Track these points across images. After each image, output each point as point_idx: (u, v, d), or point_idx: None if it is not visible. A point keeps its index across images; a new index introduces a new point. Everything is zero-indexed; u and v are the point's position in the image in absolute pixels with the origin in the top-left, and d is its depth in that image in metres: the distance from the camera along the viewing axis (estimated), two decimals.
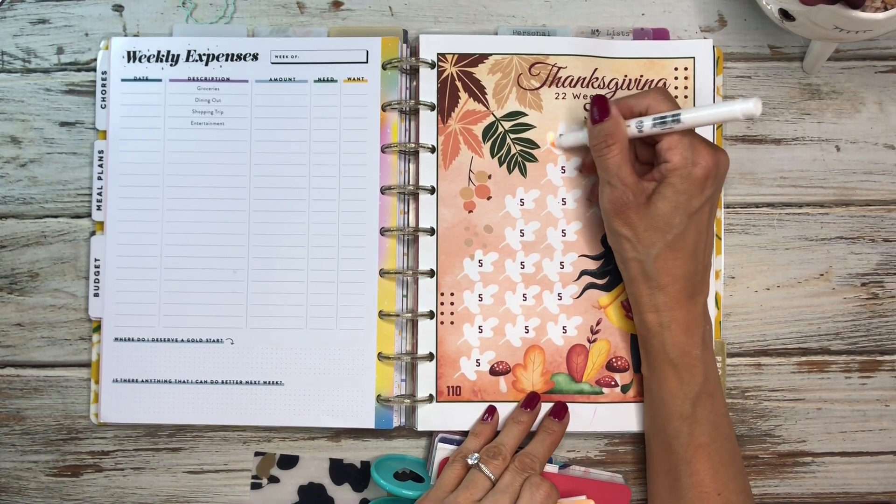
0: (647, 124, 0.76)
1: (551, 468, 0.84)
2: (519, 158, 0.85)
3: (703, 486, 0.77)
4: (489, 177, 0.85)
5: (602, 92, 0.86)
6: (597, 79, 0.86)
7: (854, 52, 0.88)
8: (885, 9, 0.75)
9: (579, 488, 0.83)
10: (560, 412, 0.83)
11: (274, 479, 0.87)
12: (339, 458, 0.87)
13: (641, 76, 0.86)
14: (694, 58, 0.86)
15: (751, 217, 0.87)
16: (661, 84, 0.86)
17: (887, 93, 0.88)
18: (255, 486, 0.87)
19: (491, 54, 0.86)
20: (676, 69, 0.86)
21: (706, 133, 0.85)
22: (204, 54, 0.87)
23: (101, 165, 0.87)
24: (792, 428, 0.87)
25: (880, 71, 0.88)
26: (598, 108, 0.77)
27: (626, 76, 0.86)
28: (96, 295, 0.86)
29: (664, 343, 0.78)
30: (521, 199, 0.85)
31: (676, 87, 0.86)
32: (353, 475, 0.87)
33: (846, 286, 0.87)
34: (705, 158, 0.75)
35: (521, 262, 0.85)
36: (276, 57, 0.87)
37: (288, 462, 0.87)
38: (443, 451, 0.83)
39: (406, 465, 0.85)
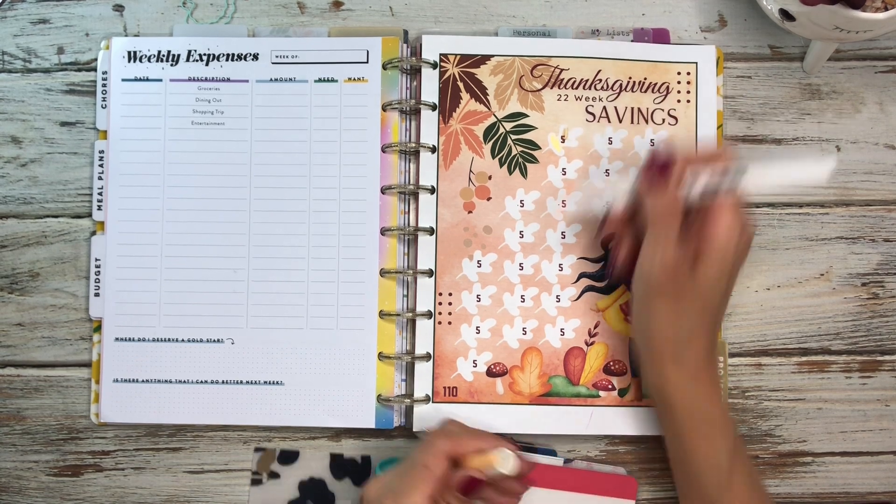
0: (702, 185, 0.75)
1: (556, 461, 0.84)
2: (520, 159, 0.85)
3: None
4: (489, 177, 0.85)
5: (605, 93, 0.86)
6: (600, 80, 0.86)
7: (854, 52, 0.88)
8: (885, 9, 0.75)
9: (585, 481, 0.84)
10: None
11: (274, 475, 0.87)
12: (339, 453, 0.87)
13: (645, 79, 0.86)
14: (696, 63, 0.86)
15: (751, 217, 0.87)
16: (662, 84, 0.86)
17: (887, 93, 0.88)
18: (255, 482, 0.87)
19: (493, 55, 0.86)
20: (679, 73, 0.86)
21: (708, 129, 0.85)
22: (204, 54, 0.87)
23: (101, 165, 0.87)
24: (792, 428, 0.87)
25: (880, 71, 0.88)
26: (659, 171, 0.75)
27: (630, 78, 0.86)
28: (97, 295, 0.86)
29: (692, 410, 0.76)
30: (520, 201, 0.85)
31: (679, 91, 0.86)
32: (354, 470, 0.87)
33: (846, 286, 0.87)
34: (747, 230, 0.75)
35: (520, 264, 0.85)
36: (277, 57, 0.87)
37: (288, 457, 0.87)
38: None
39: None
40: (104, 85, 0.88)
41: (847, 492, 0.87)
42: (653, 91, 0.86)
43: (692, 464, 0.77)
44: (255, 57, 0.87)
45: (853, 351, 0.87)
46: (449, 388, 0.84)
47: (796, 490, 0.87)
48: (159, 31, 0.89)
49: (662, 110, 0.86)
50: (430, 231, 0.85)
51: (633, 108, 0.86)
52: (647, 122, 0.86)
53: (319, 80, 0.87)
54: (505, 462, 0.72)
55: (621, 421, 0.84)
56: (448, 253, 0.85)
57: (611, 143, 0.85)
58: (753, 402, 0.87)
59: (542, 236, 0.85)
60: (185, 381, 0.85)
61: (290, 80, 0.87)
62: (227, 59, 0.87)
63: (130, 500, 0.88)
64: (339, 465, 0.87)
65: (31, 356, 0.88)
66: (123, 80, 0.87)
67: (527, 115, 0.85)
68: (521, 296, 0.85)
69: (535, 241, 0.85)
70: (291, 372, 0.85)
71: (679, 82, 0.86)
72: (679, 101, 0.86)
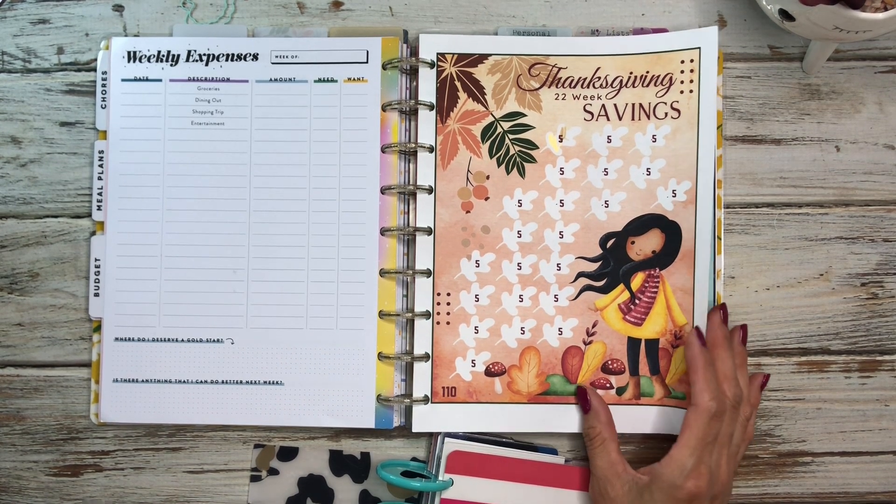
0: None
1: (558, 460, 0.84)
2: (517, 159, 0.85)
3: None
4: (487, 177, 0.85)
5: (603, 91, 0.86)
6: (599, 78, 0.86)
7: (854, 52, 0.88)
8: (885, 9, 0.75)
9: (587, 479, 0.84)
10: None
11: (273, 472, 0.87)
12: (338, 450, 0.87)
13: (647, 72, 0.86)
14: (700, 48, 0.86)
15: (751, 217, 0.87)
16: (665, 76, 0.86)
17: (887, 93, 0.87)
18: (255, 479, 0.87)
19: (491, 55, 0.86)
20: (683, 62, 0.86)
21: (709, 130, 0.85)
22: (204, 54, 0.87)
23: (101, 165, 0.87)
24: (792, 428, 0.87)
25: (880, 71, 0.88)
26: (582, 401, 0.83)
27: (630, 73, 0.86)
28: (96, 295, 0.86)
29: None
30: (518, 200, 0.85)
31: (682, 82, 0.85)
32: (353, 466, 0.87)
33: (846, 286, 0.87)
34: (698, 482, 0.77)
35: (518, 264, 0.85)
36: (277, 57, 0.87)
37: (287, 454, 0.87)
38: (451, 444, 0.83)
39: (409, 468, 0.85)
40: (104, 85, 0.88)
41: (846, 492, 0.87)
42: (655, 84, 0.86)
43: None
44: (255, 57, 0.87)
45: (852, 351, 0.87)
46: (448, 388, 0.84)
47: (796, 490, 0.87)
48: (159, 31, 0.89)
49: (665, 103, 0.86)
50: (428, 231, 0.85)
51: (633, 104, 0.86)
52: (648, 117, 0.86)
53: (319, 81, 0.87)
54: None
55: (619, 420, 0.84)
56: (446, 253, 0.85)
57: (609, 141, 0.85)
58: None
59: (539, 236, 0.85)
60: (184, 381, 0.85)
61: (290, 80, 0.87)
62: (226, 59, 0.87)
63: (130, 500, 0.88)
64: (339, 462, 0.87)
65: (31, 356, 0.88)
66: (123, 80, 0.87)
67: (524, 115, 0.85)
68: (520, 295, 0.85)
69: (533, 240, 0.85)
70: (291, 372, 0.85)
71: (682, 71, 0.85)
72: (682, 91, 0.85)
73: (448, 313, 0.85)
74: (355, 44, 0.87)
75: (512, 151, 0.85)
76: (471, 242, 0.85)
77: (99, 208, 0.87)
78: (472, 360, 0.84)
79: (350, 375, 0.85)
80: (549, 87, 0.86)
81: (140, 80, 0.87)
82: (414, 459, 0.87)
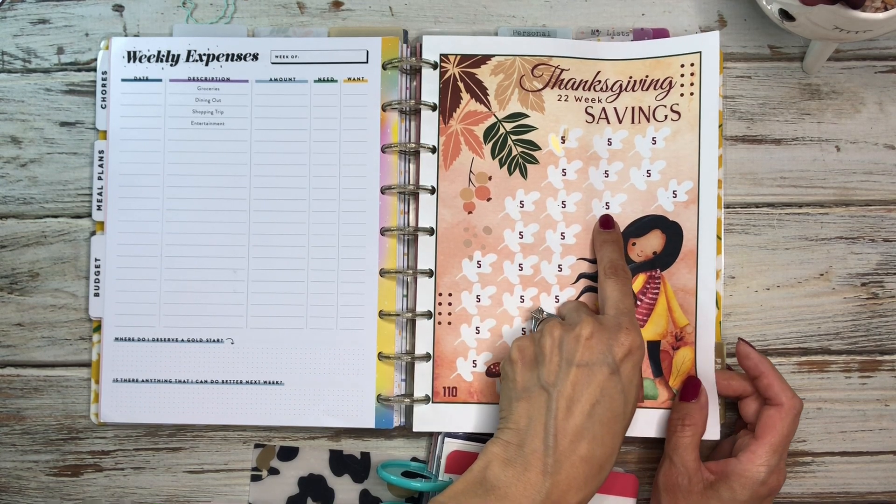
0: None
1: None
2: (520, 160, 0.85)
3: None
4: (489, 178, 0.85)
5: (604, 94, 0.85)
6: (599, 81, 0.86)
7: (854, 52, 0.88)
8: (885, 9, 0.75)
9: None
10: (607, 223, 0.84)
11: (274, 471, 0.87)
12: (338, 450, 0.87)
13: (647, 76, 0.86)
14: (700, 52, 0.86)
15: (751, 217, 0.87)
16: (665, 80, 0.86)
17: (887, 93, 0.88)
18: (255, 479, 0.87)
19: (494, 55, 0.86)
20: (682, 66, 0.86)
21: (710, 133, 0.85)
22: (204, 54, 0.87)
23: (101, 165, 0.87)
24: None
25: (880, 71, 0.88)
26: (689, 389, 0.81)
27: (630, 77, 0.86)
28: (96, 295, 0.86)
29: None
30: (520, 201, 0.85)
31: (682, 85, 0.85)
32: (353, 466, 0.87)
33: (846, 286, 0.87)
34: (778, 476, 0.79)
35: (520, 264, 0.85)
36: (277, 57, 0.87)
37: (288, 454, 0.87)
38: (451, 444, 0.83)
39: (409, 468, 0.85)
40: (104, 85, 0.88)
41: (847, 492, 0.87)
42: (655, 88, 0.86)
43: None
44: (255, 57, 0.87)
45: (853, 351, 0.87)
46: (448, 388, 0.84)
47: (796, 490, 0.87)
48: (159, 31, 0.89)
49: (665, 106, 0.86)
50: (430, 231, 0.85)
51: (633, 108, 0.86)
52: (648, 120, 0.86)
53: (319, 81, 0.86)
54: None
55: None
56: (448, 253, 0.85)
57: (610, 143, 0.85)
58: None
59: (541, 237, 0.85)
60: (184, 381, 0.85)
61: (290, 80, 0.87)
62: (226, 59, 0.87)
63: (130, 500, 0.88)
64: (339, 461, 0.87)
65: (31, 356, 0.88)
66: (123, 80, 0.87)
67: (527, 116, 0.85)
68: (521, 296, 0.85)
69: (535, 241, 0.85)
70: (291, 372, 0.85)
71: (682, 75, 0.85)
72: (682, 94, 0.85)
73: (449, 313, 0.85)
74: (355, 44, 0.87)
75: (514, 152, 0.85)
76: (472, 243, 0.85)
77: (99, 208, 0.87)
78: (474, 361, 0.84)
79: (350, 375, 0.85)
80: (552, 87, 0.85)
81: (140, 80, 0.87)
82: (414, 459, 0.87)
